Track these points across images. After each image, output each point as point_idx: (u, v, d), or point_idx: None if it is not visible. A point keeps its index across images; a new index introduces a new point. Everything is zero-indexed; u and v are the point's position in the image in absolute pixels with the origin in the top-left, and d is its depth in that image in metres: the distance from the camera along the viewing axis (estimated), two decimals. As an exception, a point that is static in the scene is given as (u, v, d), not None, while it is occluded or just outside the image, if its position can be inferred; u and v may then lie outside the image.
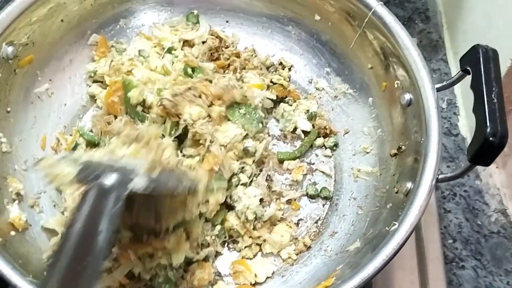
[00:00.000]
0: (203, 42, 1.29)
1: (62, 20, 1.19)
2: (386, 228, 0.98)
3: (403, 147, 1.10)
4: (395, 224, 0.95)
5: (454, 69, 1.47)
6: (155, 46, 1.28)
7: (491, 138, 0.89)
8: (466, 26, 1.43)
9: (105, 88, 1.23)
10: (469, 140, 1.34)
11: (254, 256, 1.13)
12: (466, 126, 1.40)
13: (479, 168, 1.36)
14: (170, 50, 1.26)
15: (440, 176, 0.98)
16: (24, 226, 1.06)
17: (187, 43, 1.30)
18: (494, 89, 0.93)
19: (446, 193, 1.33)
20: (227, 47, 1.30)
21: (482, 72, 0.94)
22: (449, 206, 1.31)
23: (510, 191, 1.32)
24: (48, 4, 1.15)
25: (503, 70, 1.18)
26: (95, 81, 1.26)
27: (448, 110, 1.43)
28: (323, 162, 1.23)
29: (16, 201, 1.09)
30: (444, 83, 1.06)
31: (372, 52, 1.17)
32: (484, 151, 0.91)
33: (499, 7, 1.24)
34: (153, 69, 1.24)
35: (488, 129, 0.89)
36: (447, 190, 1.33)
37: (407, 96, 1.08)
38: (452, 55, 1.50)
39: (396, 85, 1.12)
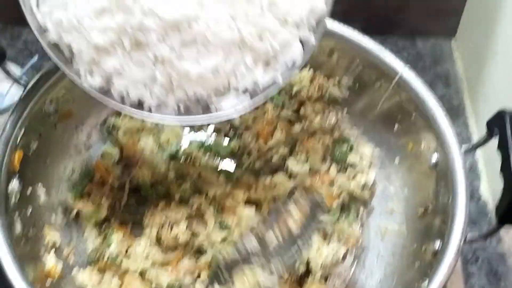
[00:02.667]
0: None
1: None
2: (416, 285, 0.99)
3: (430, 206, 1.11)
4: (425, 280, 0.96)
5: (476, 133, 1.49)
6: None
7: (520, 197, 0.90)
8: (487, 90, 1.45)
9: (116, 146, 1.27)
10: (491, 204, 1.36)
11: (282, 311, 1.12)
12: (487, 190, 1.41)
13: (501, 232, 1.36)
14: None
15: (468, 236, 0.99)
16: (60, 275, 1.07)
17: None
18: (521, 148, 0.95)
19: (469, 257, 1.33)
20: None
21: (509, 133, 0.97)
22: (472, 269, 1.31)
23: (533, 255, 1.32)
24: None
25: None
26: (109, 133, 1.28)
27: (469, 174, 1.44)
28: (350, 221, 1.24)
29: (53, 250, 1.10)
30: (470, 145, 1.08)
31: (399, 113, 1.19)
32: (513, 210, 0.92)
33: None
34: (161, 143, 1.28)
35: (517, 188, 0.91)
36: (469, 253, 1.33)
37: (434, 157, 1.10)
38: (473, 120, 1.52)
39: (422, 146, 1.15)
